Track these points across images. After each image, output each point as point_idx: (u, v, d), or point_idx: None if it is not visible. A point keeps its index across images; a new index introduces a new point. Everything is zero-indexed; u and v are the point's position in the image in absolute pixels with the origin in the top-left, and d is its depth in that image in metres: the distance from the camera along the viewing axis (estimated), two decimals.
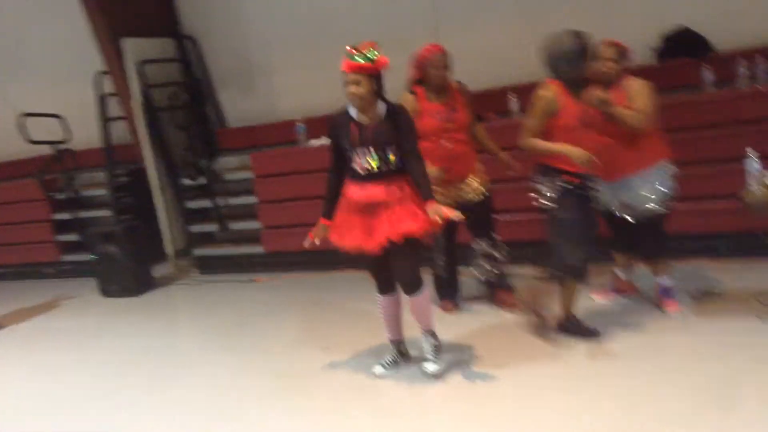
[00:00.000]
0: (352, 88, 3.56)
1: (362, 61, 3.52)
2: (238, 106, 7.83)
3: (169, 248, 7.32)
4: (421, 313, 3.91)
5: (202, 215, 7.35)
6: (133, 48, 7.14)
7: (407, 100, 4.31)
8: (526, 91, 5.81)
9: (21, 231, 8.12)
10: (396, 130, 3.62)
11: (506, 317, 4.62)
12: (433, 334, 3.98)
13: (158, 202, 7.26)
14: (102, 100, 7.32)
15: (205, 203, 7.21)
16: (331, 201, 3.84)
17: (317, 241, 3.82)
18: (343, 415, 3.63)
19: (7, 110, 8.08)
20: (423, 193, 3.64)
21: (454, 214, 3.56)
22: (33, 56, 8.46)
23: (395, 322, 4.07)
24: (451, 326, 4.48)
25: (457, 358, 4.05)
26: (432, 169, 4.12)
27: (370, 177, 3.65)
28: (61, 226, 7.94)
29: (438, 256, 4.77)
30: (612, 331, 4.08)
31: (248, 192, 6.91)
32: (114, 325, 5.95)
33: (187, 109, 7.40)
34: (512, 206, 5.17)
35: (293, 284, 6.40)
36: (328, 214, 3.84)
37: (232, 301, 6.17)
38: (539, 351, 4.02)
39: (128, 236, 6.72)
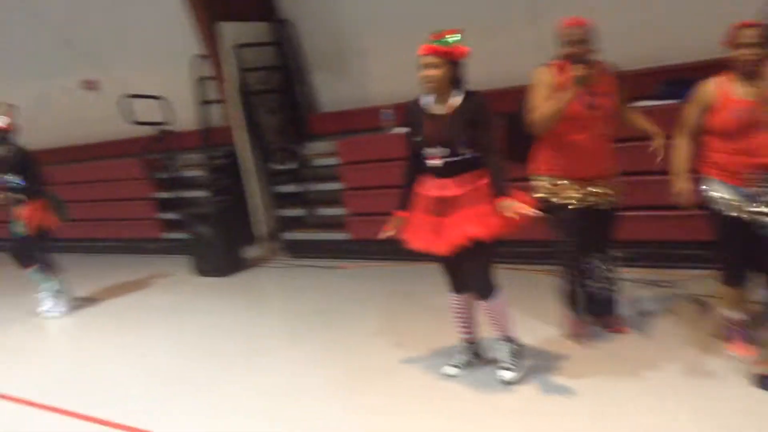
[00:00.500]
0: (427, 71, 3.43)
1: (440, 45, 3.42)
2: (332, 91, 7.81)
3: (259, 231, 7.47)
4: (495, 319, 3.74)
5: (292, 199, 7.43)
6: (230, 32, 7.25)
7: (540, 72, 3.83)
8: (628, 82, 5.48)
9: (126, 207, 8.57)
10: (471, 123, 3.44)
11: (597, 329, 4.33)
12: (511, 340, 3.80)
13: (250, 185, 7.40)
14: (199, 83, 7.52)
15: (294, 188, 7.28)
16: (406, 192, 3.72)
17: (392, 233, 3.72)
18: (404, 416, 3.54)
19: (114, 91, 8.48)
20: (495, 188, 3.45)
21: (530, 210, 3.34)
22: (137, 38, 8.80)
23: (469, 322, 3.93)
24: (535, 330, 4.28)
25: (536, 365, 3.84)
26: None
27: (440, 172, 3.52)
28: (163, 205, 8.27)
29: (566, 263, 4.00)
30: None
31: (335, 178, 6.91)
32: (201, 305, 6.14)
33: (279, 93, 7.48)
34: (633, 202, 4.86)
35: (378, 273, 6.35)
36: (404, 205, 3.73)
37: (316, 287, 6.21)
38: (626, 366, 3.74)
39: (221, 217, 6.90)
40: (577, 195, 3.85)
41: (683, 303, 4.46)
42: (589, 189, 3.86)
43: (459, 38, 3.43)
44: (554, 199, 3.88)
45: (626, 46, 5.73)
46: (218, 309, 5.96)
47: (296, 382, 4.16)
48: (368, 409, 3.67)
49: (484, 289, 3.63)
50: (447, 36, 3.44)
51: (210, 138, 7.62)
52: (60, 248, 8.83)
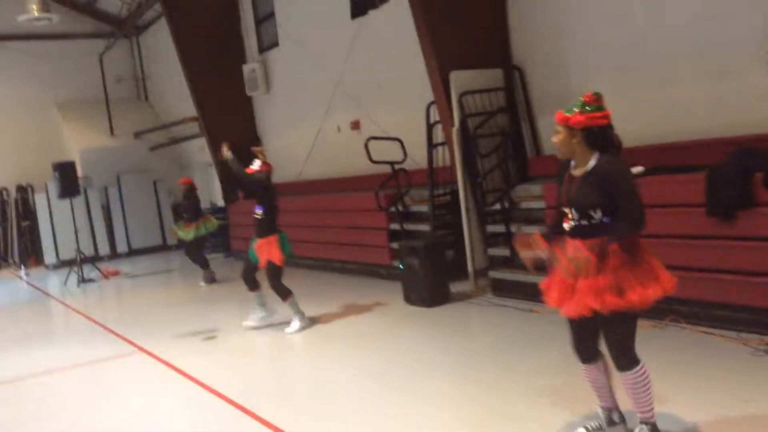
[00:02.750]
0: (553, 137, 3.55)
1: (564, 113, 3.47)
2: None
3: (470, 267, 7.79)
4: (633, 393, 3.53)
5: (502, 239, 7.62)
6: (459, 80, 7.78)
7: None
8: None
9: (363, 235, 9.56)
10: (599, 187, 3.39)
11: None
12: (647, 422, 3.53)
13: (464, 223, 7.78)
14: (430, 128, 8.18)
15: (504, 228, 7.47)
16: (551, 230, 3.73)
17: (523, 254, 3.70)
18: None
19: (369, 131, 9.60)
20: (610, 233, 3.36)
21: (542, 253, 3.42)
22: (389, 86, 9.87)
23: (603, 391, 3.78)
24: (704, 406, 3.96)
25: None
26: None
27: (572, 233, 3.51)
28: (394, 235, 9.05)
29: None
30: None
31: (543, 221, 6.94)
32: (395, 332, 6.72)
33: (499, 137, 7.76)
34: None
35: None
36: (548, 236, 3.66)
37: (504, 329, 6.33)
38: None
39: (430, 251, 7.35)
40: None
41: None
42: None
43: (581, 106, 3.41)
44: None
45: None
46: (407, 337, 6.50)
47: (429, 415, 4.42)
48: None
49: (621, 360, 3.49)
50: (578, 102, 3.44)
51: (435, 177, 8.21)
52: (308, 266, 10.23)
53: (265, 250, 6.80)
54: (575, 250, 3.40)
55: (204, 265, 10.85)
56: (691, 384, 4.37)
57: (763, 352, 4.73)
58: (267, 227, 6.85)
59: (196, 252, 10.88)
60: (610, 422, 3.81)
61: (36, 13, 14.41)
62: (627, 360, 3.46)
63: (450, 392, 4.84)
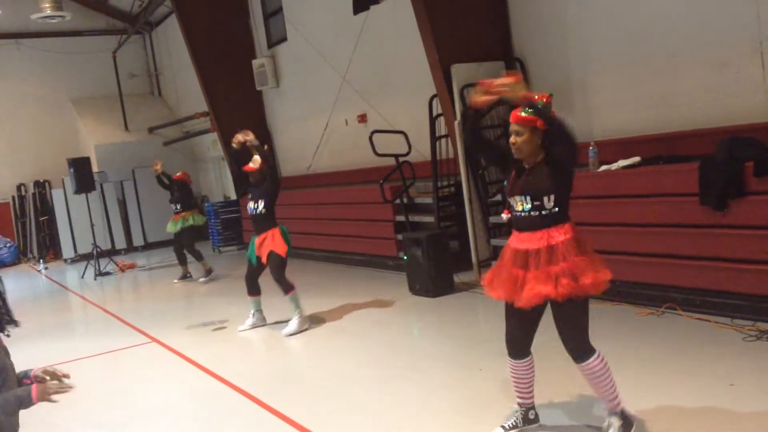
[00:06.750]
0: (512, 138, 3.54)
1: (524, 114, 3.48)
2: None
3: (473, 257, 7.93)
4: (595, 383, 3.56)
5: (503, 229, 7.75)
6: (460, 73, 7.89)
7: None
8: None
9: (370, 227, 9.73)
10: (552, 173, 3.46)
11: None
12: (618, 414, 3.57)
13: (468, 214, 7.92)
14: (433, 120, 8.31)
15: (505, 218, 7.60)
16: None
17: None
18: None
19: (375, 124, 9.72)
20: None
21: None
22: (395, 80, 9.99)
23: (525, 388, 3.82)
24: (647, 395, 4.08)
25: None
26: None
27: (522, 224, 3.55)
28: (399, 227, 9.21)
29: None
30: None
31: None
32: (399, 322, 6.91)
33: (501, 128, 7.86)
34: None
35: None
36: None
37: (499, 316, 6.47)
38: None
39: (433, 242, 7.50)
40: None
41: None
42: None
43: (542, 104, 3.44)
44: None
45: None
46: (410, 327, 6.75)
47: (428, 403, 4.59)
48: None
49: (578, 350, 3.52)
50: (535, 102, 3.44)
51: (439, 169, 8.35)
52: (317, 257, 10.40)
53: (269, 243, 6.69)
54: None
55: (199, 257, 10.83)
56: (682, 368, 4.50)
57: (755, 338, 4.85)
58: (269, 221, 6.79)
59: (190, 245, 10.85)
60: (527, 420, 3.86)
61: (49, 11, 14.72)
62: (583, 350, 3.50)
63: (449, 382, 4.98)
